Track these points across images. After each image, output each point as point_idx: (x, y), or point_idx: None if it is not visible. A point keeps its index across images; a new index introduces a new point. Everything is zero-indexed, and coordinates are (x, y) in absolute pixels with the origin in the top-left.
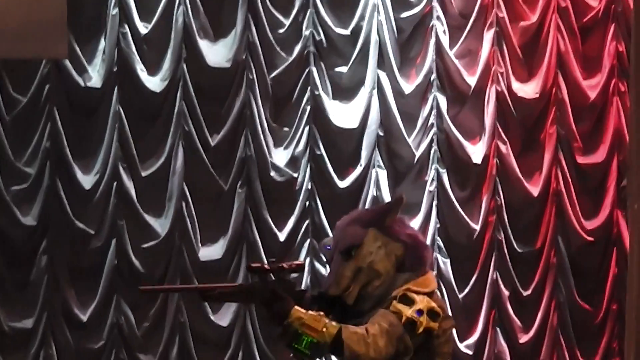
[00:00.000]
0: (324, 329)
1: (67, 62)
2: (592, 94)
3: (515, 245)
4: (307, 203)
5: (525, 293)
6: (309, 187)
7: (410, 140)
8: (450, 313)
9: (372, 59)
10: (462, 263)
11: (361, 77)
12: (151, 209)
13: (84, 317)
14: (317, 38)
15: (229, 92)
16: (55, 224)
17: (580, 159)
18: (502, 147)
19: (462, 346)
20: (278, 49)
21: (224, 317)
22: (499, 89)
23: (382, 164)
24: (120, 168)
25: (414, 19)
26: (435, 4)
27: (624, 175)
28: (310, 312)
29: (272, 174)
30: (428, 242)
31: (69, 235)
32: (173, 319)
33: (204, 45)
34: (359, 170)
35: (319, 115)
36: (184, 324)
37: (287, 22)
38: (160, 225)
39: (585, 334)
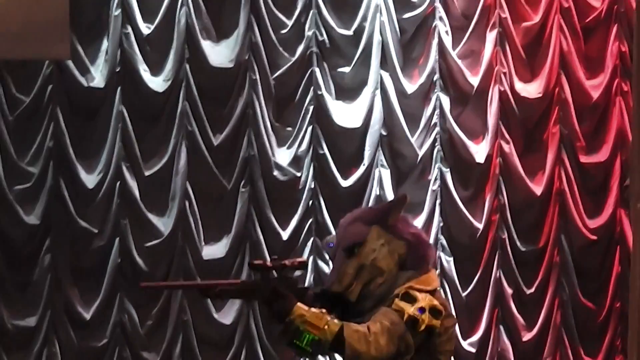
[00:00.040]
0: (326, 327)
1: (70, 63)
2: (595, 94)
3: (518, 244)
4: (310, 202)
5: (528, 291)
6: (312, 186)
7: (413, 140)
8: (452, 311)
9: (374, 59)
10: (465, 262)
11: (364, 77)
12: (154, 208)
13: (87, 316)
14: (320, 38)
15: (232, 93)
16: (58, 223)
17: (583, 159)
18: (505, 147)
19: (465, 344)
20: (281, 49)
21: (227, 315)
22: (502, 89)
23: (385, 164)
24: (124, 167)
25: (416, 20)
26: (437, 4)
27: (627, 175)
28: (312, 309)
29: (275, 173)
30: (431, 241)
31: (72, 234)
32: (176, 317)
33: (206, 45)
34: (362, 169)
35: (321, 115)
36: (187, 322)
37: (289, 23)
38: (164, 224)
39: (588, 332)
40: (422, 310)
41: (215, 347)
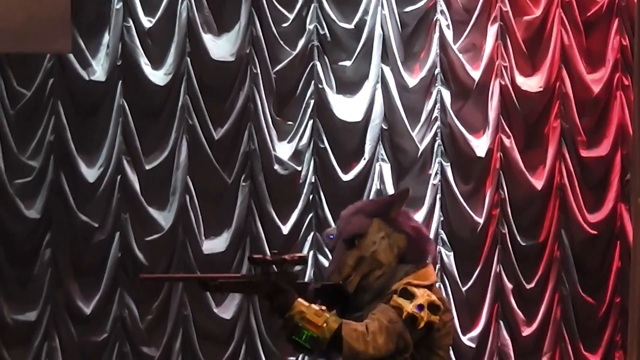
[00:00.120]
0: (325, 325)
1: (71, 57)
2: (596, 88)
3: (518, 238)
4: (311, 196)
5: (528, 286)
6: (313, 180)
7: (414, 134)
8: (450, 306)
9: (376, 53)
10: (465, 256)
11: (365, 71)
12: (155, 202)
13: (88, 310)
14: (321, 32)
15: (233, 87)
16: (58, 217)
17: (584, 153)
18: (506, 141)
19: (465, 339)
20: (282, 43)
21: (227, 310)
22: (503, 83)
23: (385, 158)
24: (124, 161)
25: (417, 14)
26: None
27: (628, 169)
28: (312, 305)
29: (276, 167)
30: (432, 235)
31: (73, 228)
32: (176, 312)
33: (207, 39)
34: (362, 163)
35: (322, 109)
36: (187, 317)
37: (290, 17)
38: (164, 218)
39: (588, 327)
40: (420, 307)
41: (215, 341)
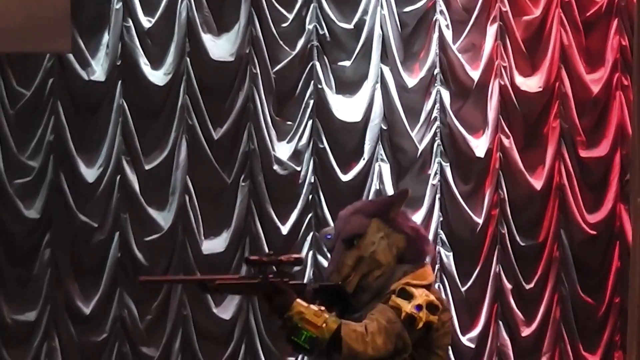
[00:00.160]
0: (324, 325)
1: (71, 56)
2: (595, 88)
3: (518, 239)
4: (310, 196)
5: (527, 286)
6: (312, 180)
7: (413, 134)
8: (447, 305)
9: (375, 53)
10: (465, 256)
11: (364, 71)
12: (154, 202)
13: (87, 310)
14: (321, 32)
15: (232, 86)
16: (58, 217)
17: (583, 153)
18: (505, 141)
19: (464, 339)
20: (281, 43)
21: (226, 310)
22: (502, 83)
23: (385, 158)
24: (124, 161)
25: (417, 14)
26: None
27: (627, 169)
28: (311, 306)
29: (275, 167)
30: (431, 235)
31: (72, 228)
32: (176, 312)
33: (207, 39)
34: (362, 164)
35: (322, 109)
36: (186, 317)
37: (290, 17)
38: (164, 218)
39: (587, 327)
40: (419, 307)
41: (214, 341)
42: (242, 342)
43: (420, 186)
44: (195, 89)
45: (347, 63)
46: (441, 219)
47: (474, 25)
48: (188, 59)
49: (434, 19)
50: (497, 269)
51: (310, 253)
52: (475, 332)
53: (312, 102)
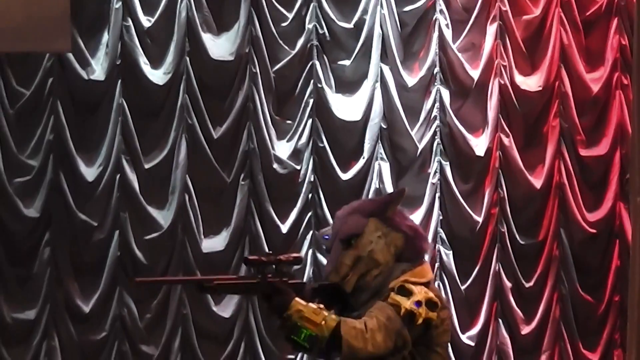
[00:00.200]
0: (323, 322)
1: (71, 56)
2: (595, 88)
3: (517, 237)
4: (310, 195)
5: (527, 285)
6: (312, 179)
7: (413, 133)
8: (447, 303)
9: (375, 52)
10: (464, 255)
11: (364, 70)
12: (154, 201)
13: (87, 309)
14: (320, 31)
15: (232, 86)
16: (58, 216)
17: (583, 152)
18: (505, 140)
19: (464, 337)
20: (281, 42)
21: (226, 309)
22: (502, 82)
23: (385, 157)
24: (124, 161)
25: (417, 13)
26: None
27: (627, 168)
28: (310, 304)
29: (275, 166)
30: (431, 234)
31: (72, 227)
32: (175, 311)
33: (207, 38)
34: (361, 162)
35: (322, 108)
36: (186, 315)
37: (290, 16)
38: (163, 217)
39: (587, 326)
40: (418, 304)
41: (214, 340)
42: (241, 340)
43: (420, 185)
44: (195, 89)
45: (347, 62)
46: (441, 217)
47: (474, 25)
48: (188, 59)
49: (434, 18)
50: (497, 268)
51: (310, 252)
52: (475, 331)
53: (311, 101)
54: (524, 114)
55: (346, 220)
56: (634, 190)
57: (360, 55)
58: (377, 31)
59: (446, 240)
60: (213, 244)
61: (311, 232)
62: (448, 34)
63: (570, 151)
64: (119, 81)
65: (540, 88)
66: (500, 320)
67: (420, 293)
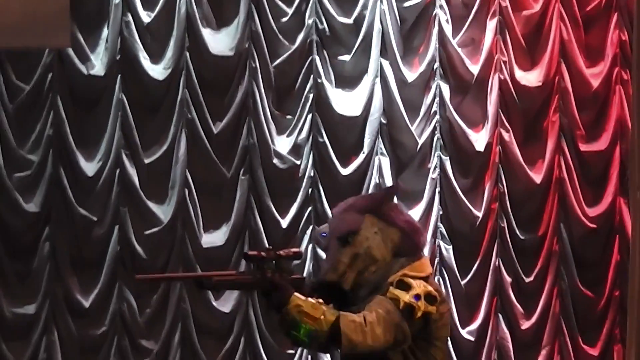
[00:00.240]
0: (322, 317)
1: (70, 51)
2: (595, 83)
3: (517, 232)
4: (310, 190)
5: (527, 280)
6: (312, 174)
7: (413, 128)
8: (446, 297)
9: (375, 47)
10: (464, 250)
11: (364, 65)
12: (154, 196)
13: (87, 304)
14: (320, 27)
15: (232, 81)
16: (57, 211)
17: (583, 147)
18: (505, 135)
19: (464, 332)
20: (281, 37)
21: (226, 304)
22: (502, 78)
23: (384, 152)
24: (123, 155)
25: (416, 8)
26: None
27: (627, 164)
28: (309, 299)
29: (275, 161)
30: (431, 229)
31: (72, 222)
32: (175, 306)
33: (206, 34)
34: (361, 158)
35: (321, 104)
36: (186, 310)
37: (290, 11)
38: (163, 212)
39: (587, 321)
40: (417, 297)
41: (214, 335)
42: (241, 335)
43: (420, 180)
44: (195, 84)
45: (346, 57)
46: (441, 212)
47: (474, 20)
48: (187, 54)
49: (434, 14)
50: (497, 263)
51: (310, 247)
52: (474, 326)
53: (311, 96)
54: (524, 109)
55: (342, 218)
56: (634, 185)
57: (360, 50)
58: (377, 26)
59: (446, 235)
60: (213, 238)
61: (311, 227)
62: (448, 29)
63: (570, 146)
64: (119, 76)
65: (540, 83)
66: (500, 315)
67: (419, 287)
